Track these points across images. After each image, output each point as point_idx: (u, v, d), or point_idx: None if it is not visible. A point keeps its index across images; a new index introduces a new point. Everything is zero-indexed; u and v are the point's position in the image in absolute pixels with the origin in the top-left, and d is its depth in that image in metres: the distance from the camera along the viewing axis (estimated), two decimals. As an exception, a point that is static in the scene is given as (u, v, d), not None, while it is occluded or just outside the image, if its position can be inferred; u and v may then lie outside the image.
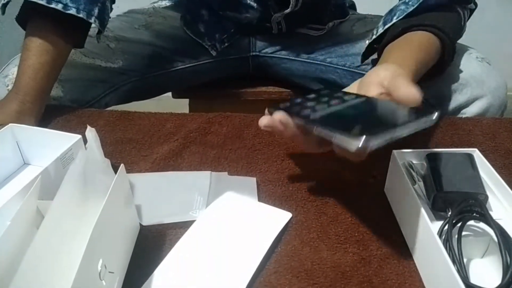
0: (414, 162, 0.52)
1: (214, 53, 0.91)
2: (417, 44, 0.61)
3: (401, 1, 0.70)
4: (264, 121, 0.46)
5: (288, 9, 0.83)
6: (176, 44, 0.91)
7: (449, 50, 0.65)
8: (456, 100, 0.73)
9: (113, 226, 0.40)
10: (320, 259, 0.45)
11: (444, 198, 0.45)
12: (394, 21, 0.68)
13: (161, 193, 0.54)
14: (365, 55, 0.76)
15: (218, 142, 0.65)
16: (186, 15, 0.93)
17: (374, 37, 0.71)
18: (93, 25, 0.69)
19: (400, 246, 0.47)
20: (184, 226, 0.48)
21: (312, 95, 0.48)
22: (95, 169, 0.43)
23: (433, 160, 0.49)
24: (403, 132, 0.37)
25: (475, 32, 1.12)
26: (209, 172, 0.57)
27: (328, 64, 0.91)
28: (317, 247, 0.46)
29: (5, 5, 0.66)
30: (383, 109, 0.41)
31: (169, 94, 1.02)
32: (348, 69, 0.89)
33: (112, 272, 0.38)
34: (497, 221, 0.41)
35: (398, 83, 0.44)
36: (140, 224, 0.49)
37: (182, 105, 1.05)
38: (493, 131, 0.66)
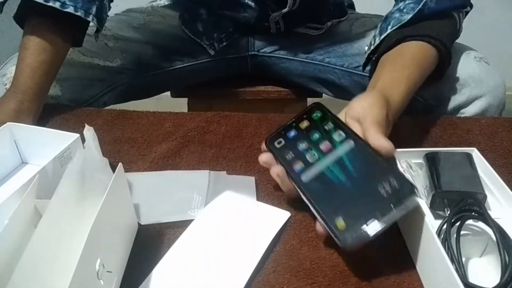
0: (413, 161, 0.52)
1: (212, 52, 0.91)
2: (410, 59, 0.61)
3: (395, 7, 0.70)
4: (263, 158, 0.51)
5: (286, 9, 0.83)
6: (174, 43, 0.91)
7: (445, 58, 0.65)
8: (455, 100, 0.73)
9: (111, 225, 0.40)
10: (319, 259, 0.45)
11: (442, 197, 0.45)
12: (388, 31, 0.68)
13: (160, 192, 0.54)
14: (365, 64, 0.76)
15: (216, 141, 0.65)
16: (184, 14, 0.93)
17: (372, 47, 0.71)
18: (91, 23, 0.69)
19: (398, 245, 0.47)
20: (182, 225, 0.48)
21: (304, 126, 0.51)
22: (93, 168, 0.43)
23: (431, 159, 0.49)
24: (385, 227, 0.40)
25: (474, 32, 1.12)
26: (208, 171, 0.57)
27: (327, 64, 0.90)
28: (316, 246, 0.46)
29: (2, 4, 0.66)
30: (365, 185, 0.43)
31: (168, 93, 1.02)
32: (346, 69, 0.89)
33: (110, 272, 0.38)
34: (496, 220, 0.41)
35: (368, 133, 0.46)
36: (139, 223, 0.49)
37: (180, 104, 1.05)
38: (492, 130, 0.67)
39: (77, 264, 0.31)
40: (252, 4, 0.84)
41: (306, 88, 0.97)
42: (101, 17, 0.70)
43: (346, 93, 0.93)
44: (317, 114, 0.51)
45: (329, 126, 0.49)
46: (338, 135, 0.47)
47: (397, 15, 0.68)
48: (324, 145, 0.47)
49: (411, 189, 0.40)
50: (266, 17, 0.87)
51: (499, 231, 0.40)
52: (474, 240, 0.43)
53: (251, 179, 0.56)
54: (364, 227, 0.39)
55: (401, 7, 0.69)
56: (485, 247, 0.43)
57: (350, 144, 0.46)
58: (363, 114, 0.48)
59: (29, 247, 0.31)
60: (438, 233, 0.42)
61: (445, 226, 0.42)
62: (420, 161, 0.51)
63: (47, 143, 0.54)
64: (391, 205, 0.40)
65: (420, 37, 0.64)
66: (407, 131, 0.66)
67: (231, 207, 0.51)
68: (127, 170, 0.57)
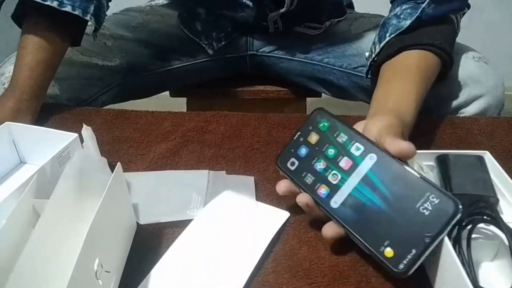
0: (424, 163, 0.51)
1: (211, 51, 0.91)
2: (416, 72, 0.61)
3: (392, 13, 0.70)
4: (283, 188, 0.48)
5: (284, 9, 0.83)
6: (173, 43, 0.91)
7: (447, 65, 0.65)
8: (455, 100, 0.73)
9: (109, 225, 0.40)
10: (318, 259, 0.45)
11: None
12: (387, 38, 0.67)
13: (159, 192, 0.54)
14: (368, 72, 0.75)
15: (215, 141, 0.64)
16: (183, 14, 0.93)
17: (373, 55, 0.70)
18: (89, 22, 0.69)
19: None
20: (181, 225, 0.48)
21: (314, 140, 0.48)
22: (92, 168, 0.42)
23: (443, 162, 0.49)
24: (433, 246, 0.38)
25: (473, 31, 1.12)
26: (207, 171, 0.57)
27: (325, 65, 0.90)
28: (315, 247, 0.46)
29: (0, 3, 0.66)
30: (405, 206, 0.41)
31: (167, 93, 1.01)
32: (345, 70, 0.88)
33: (109, 272, 0.38)
34: (508, 224, 0.41)
35: (386, 142, 0.44)
36: (137, 223, 0.49)
37: (179, 104, 1.05)
38: (491, 130, 0.67)
39: (75, 264, 0.31)
40: (250, 3, 0.84)
41: (305, 88, 0.97)
42: (99, 16, 0.69)
43: (345, 94, 0.92)
44: (324, 124, 0.48)
45: (342, 137, 0.46)
46: (355, 148, 0.45)
47: (394, 21, 0.68)
48: (344, 162, 0.45)
49: (455, 207, 0.38)
50: (264, 16, 0.87)
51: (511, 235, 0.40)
52: (486, 244, 0.43)
53: (250, 179, 0.56)
54: (413, 251, 0.38)
55: (398, 13, 0.68)
56: (496, 251, 0.43)
57: (372, 157, 0.44)
58: (380, 135, 0.46)
59: (28, 247, 0.31)
60: (449, 236, 0.42)
61: (456, 229, 0.41)
62: (432, 163, 0.51)
63: (46, 142, 0.54)
64: (436, 223, 0.38)
65: (423, 46, 0.63)
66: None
67: (230, 207, 0.51)
68: (125, 170, 0.57)
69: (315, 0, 0.88)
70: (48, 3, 0.63)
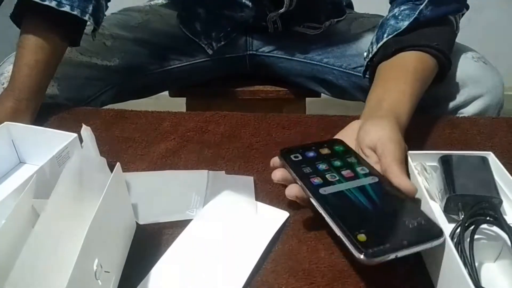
0: (428, 164, 0.51)
1: (210, 51, 0.91)
2: (412, 73, 0.61)
3: (390, 14, 0.70)
4: (278, 176, 0.48)
5: (283, 9, 0.83)
6: (172, 43, 0.91)
7: (445, 66, 0.65)
8: (454, 100, 0.73)
9: (109, 225, 0.40)
10: (318, 259, 0.45)
11: (457, 201, 0.45)
12: (385, 39, 0.67)
13: (158, 192, 0.54)
14: (365, 72, 0.75)
15: (215, 141, 0.64)
16: (182, 13, 0.93)
17: (370, 55, 0.70)
18: (88, 22, 0.69)
19: None
20: (181, 225, 0.48)
21: (325, 152, 0.49)
22: (91, 168, 0.42)
23: (446, 162, 0.49)
24: (406, 252, 0.38)
25: (472, 31, 1.12)
26: (206, 171, 0.57)
27: (325, 65, 0.90)
28: (315, 247, 0.46)
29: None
30: (391, 214, 0.41)
31: (166, 92, 1.01)
32: (345, 70, 0.89)
33: (108, 272, 0.38)
34: (511, 225, 0.41)
35: (391, 173, 0.44)
36: (137, 223, 0.49)
37: (179, 104, 1.05)
38: (490, 130, 0.67)
39: (74, 264, 0.31)
40: (249, 4, 0.84)
41: (305, 88, 0.97)
42: (97, 16, 0.69)
43: (344, 93, 0.93)
44: (340, 148, 0.50)
45: (352, 159, 0.47)
46: (361, 169, 0.46)
47: (392, 22, 0.68)
48: (346, 172, 0.45)
49: (440, 232, 0.38)
50: (263, 16, 0.87)
51: (514, 236, 0.40)
52: (488, 244, 0.43)
53: (250, 179, 0.56)
54: (387, 245, 0.37)
55: (396, 14, 0.68)
56: (499, 252, 0.43)
57: (373, 179, 0.44)
58: (381, 147, 0.47)
59: (27, 247, 0.31)
60: (452, 236, 0.42)
61: (458, 230, 0.41)
62: (435, 163, 0.51)
63: (45, 142, 0.54)
64: (417, 237, 0.38)
65: (420, 48, 0.63)
66: (406, 132, 0.65)
67: (229, 207, 0.51)
68: (125, 170, 0.57)
69: (314, 0, 0.88)
70: (46, 3, 0.63)
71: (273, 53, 0.94)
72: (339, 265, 0.44)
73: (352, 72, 0.87)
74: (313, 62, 0.92)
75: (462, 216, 0.43)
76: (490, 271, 0.42)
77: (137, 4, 0.97)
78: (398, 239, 0.38)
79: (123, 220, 0.45)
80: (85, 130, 0.44)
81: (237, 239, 0.46)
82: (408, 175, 0.47)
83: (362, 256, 0.36)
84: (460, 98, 0.73)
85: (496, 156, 0.51)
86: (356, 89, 0.88)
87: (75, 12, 0.65)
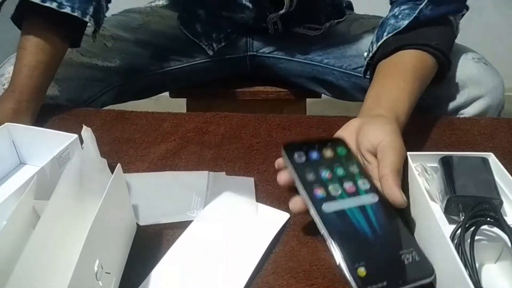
0: (428, 165, 0.51)
1: (211, 52, 0.91)
2: (411, 72, 0.61)
3: (391, 13, 0.70)
4: (283, 181, 0.47)
5: (283, 10, 0.83)
6: (173, 44, 0.91)
7: (444, 65, 0.65)
8: (454, 101, 0.73)
9: (109, 226, 0.40)
10: (318, 260, 0.45)
11: (457, 202, 0.45)
12: (384, 38, 0.67)
13: (159, 193, 0.54)
14: (366, 71, 0.75)
15: (215, 142, 0.64)
16: (183, 15, 0.93)
17: (370, 54, 0.70)
18: (88, 24, 0.69)
19: None
20: (181, 226, 0.48)
21: (328, 155, 0.48)
22: (92, 169, 0.42)
23: (447, 163, 0.49)
24: None
25: (472, 32, 1.12)
26: (207, 172, 0.57)
27: (325, 65, 0.91)
28: (315, 248, 0.46)
29: (0, 4, 0.66)
30: (389, 246, 0.42)
31: (167, 93, 1.01)
32: (345, 71, 0.89)
33: (109, 273, 0.38)
34: None
35: (386, 182, 0.44)
36: (137, 224, 0.49)
37: (179, 105, 1.05)
38: (491, 131, 0.67)
39: (75, 265, 0.31)
40: (250, 5, 0.84)
41: (305, 89, 0.97)
42: (98, 17, 0.69)
43: (344, 94, 0.93)
44: (342, 150, 0.49)
45: (354, 169, 0.47)
46: (362, 183, 0.46)
47: (392, 21, 0.68)
48: (348, 186, 0.45)
49: (432, 271, 0.40)
50: (263, 18, 0.87)
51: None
52: (489, 246, 0.43)
53: (250, 180, 0.56)
54: (384, 283, 0.38)
55: (396, 13, 0.68)
56: (500, 253, 0.43)
57: (374, 197, 0.45)
58: (381, 153, 0.46)
59: (27, 248, 0.31)
60: (452, 237, 0.42)
61: (459, 231, 0.41)
62: (435, 165, 0.51)
63: (45, 143, 0.54)
64: (411, 275, 0.39)
65: (419, 46, 0.63)
66: (406, 132, 0.65)
67: (230, 208, 0.51)
68: (125, 171, 0.57)
69: (314, 1, 0.88)
70: (47, 4, 0.63)
71: (274, 54, 0.94)
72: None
73: (353, 73, 0.87)
74: (313, 63, 0.92)
75: (463, 217, 0.43)
76: (490, 272, 0.42)
77: (138, 6, 0.97)
78: (395, 277, 0.39)
79: (123, 221, 0.45)
80: (86, 131, 0.44)
81: (237, 240, 0.46)
82: (405, 181, 0.47)
83: None
84: (460, 99, 0.73)
85: (497, 157, 0.50)
86: (356, 89, 0.89)
87: (75, 14, 0.65)
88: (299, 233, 0.48)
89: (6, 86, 0.67)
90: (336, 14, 0.93)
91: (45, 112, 0.68)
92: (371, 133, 0.49)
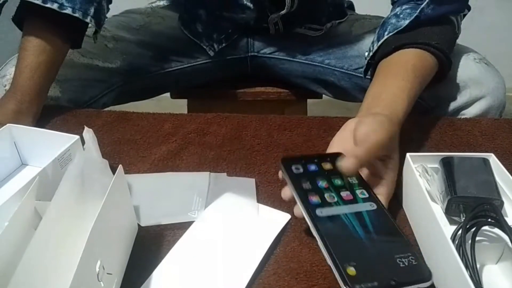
0: (429, 165, 0.51)
1: (211, 53, 0.91)
2: (411, 71, 0.60)
3: (392, 13, 0.70)
4: (287, 195, 0.47)
5: (284, 10, 0.83)
6: (174, 44, 0.91)
7: (445, 65, 0.65)
8: (455, 102, 0.73)
9: (111, 227, 0.40)
10: (319, 261, 0.45)
11: (458, 203, 0.45)
12: (385, 37, 0.68)
13: (160, 194, 0.54)
14: (366, 70, 0.75)
15: (216, 143, 0.65)
16: (183, 15, 0.93)
17: (371, 53, 0.71)
18: (90, 25, 0.69)
19: None
20: (182, 227, 0.48)
21: (327, 167, 0.48)
22: (93, 170, 0.42)
23: (448, 164, 0.49)
24: None
25: (474, 32, 1.12)
26: (208, 173, 0.57)
27: (326, 66, 0.91)
28: (316, 249, 0.46)
29: (1, 5, 0.66)
30: (383, 249, 0.40)
31: (168, 94, 1.02)
32: (346, 71, 0.89)
33: (110, 274, 0.38)
34: None
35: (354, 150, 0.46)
36: (139, 225, 0.49)
37: (180, 106, 1.05)
38: (492, 132, 0.66)
39: (77, 266, 0.31)
40: (251, 5, 0.84)
41: (306, 89, 0.97)
42: (99, 18, 0.69)
43: (346, 95, 0.93)
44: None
45: (353, 180, 0.47)
46: (361, 192, 0.45)
47: (393, 20, 0.68)
48: (345, 194, 0.45)
49: (429, 276, 0.38)
50: (264, 18, 0.87)
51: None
52: (490, 246, 0.43)
53: (251, 181, 0.56)
54: (375, 283, 0.36)
55: (398, 13, 0.68)
56: (501, 254, 0.43)
57: (372, 205, 0.44)
58: (359, 141, 0.48)
59: (29, 249, 0.31)
60: (453, 238, 0.42)
61: (460, 232, 0.41)
62: (436, 165, 0.51)
63: (47, 144, 0.54)
64: (405, 278, 0.37)
65: (419, 45, 0.63)
66: (407, 133, 0.65)
67: (231, 209, 0.51)
68: (127, 171, 0.57)
69: (315, 1, 0.88)
70: (48, 5, 0.63)
71: (275, 54, 0.94)
72: (340, 267, 0.44)
73: (354, 73, 0.87)
74: (314, 63, 0.92)
75: (464, 218, 0.43)
76: (491, 273, 0.42)
77: (139, 6, 0.97)
78: (386, 277, 0.37)
79: (125, 222, 0.45)
80: (87, 132, 0.44)
81: (238, 241, 0.46)
82: (404, 182, 0.47)
83: None
84: (461, 99, 0.73)
85: (498, 157, 0.51)
86: (357, 90, 0.88)
87: (76, 15, 0.65)
88: (300, 234, 0.48)
89: (7, 87, 0.67)
90: (337, 15, 0.93)
91: (46, 113, 0.68)
92: (362, 129, 0.49)
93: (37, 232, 0.32)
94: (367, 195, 0.45)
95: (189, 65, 0.93)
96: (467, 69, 0.73)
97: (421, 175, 0.50)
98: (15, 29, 0.68)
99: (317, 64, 0.91)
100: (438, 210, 0.47)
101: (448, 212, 0.46)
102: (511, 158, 0.61)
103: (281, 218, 0.50)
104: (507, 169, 0.49)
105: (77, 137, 0.53)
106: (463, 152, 0.61)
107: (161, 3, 0.99)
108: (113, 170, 0.42)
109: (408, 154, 0.50)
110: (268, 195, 0.54)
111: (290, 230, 0.49)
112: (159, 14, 0.94)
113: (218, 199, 0.52)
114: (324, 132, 0.66)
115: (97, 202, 0.37)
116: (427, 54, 0.63)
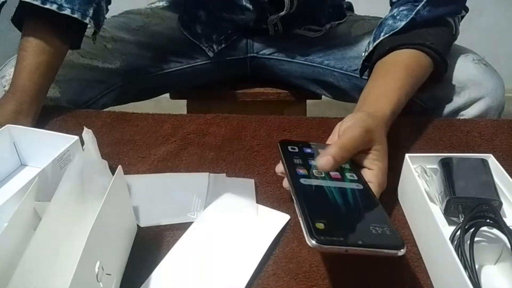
0: (428, 166, 0.51)
1: (211, 54, 0.91)
2: (404, 68, 0.61)
3: (389, 14, 0.71)
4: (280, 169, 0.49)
5: (284, 11, 0.83)
6: (173, 45, 0.91)
7: (440, 66, 0.66)
8: (455, 102, 0.74)
9: (110, 228, 0.40)
10: (318, 261, 0.45)
11: (457, 204, 0.45)
12: (381, 38, 0.68)
13: (159, 194, 0.54)
14: (362, 71, 0.76)
15: (216, 143, 0.65)
16: (183, 16, 0.93)
17: (366, 54, 0.71)
18: (89, 25, 0.69)
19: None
20: (182, 227, 0.48)
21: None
22: (93, 171, 0.42)
23: (446, 165, 0.49)
24: (358, 250, 0.36)
25: (473, 33, 1.12)
26: (207, 173, 0.57)
27: (326, 67, 0.91)
28: (316, 250, 0.46)
29: (1, 6, 0.66)
30: (358, 216, 0.41)
31: (167, 95, 1.02)
32: (345, 72, 0.89)
33: (110, 274, 0.38)
34: (511, 227, 0.41)
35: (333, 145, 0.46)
36: (138, 226, 0.49)
37: (180, 106, 1.05)
38: (491, 132, 0.67)
39: (76, 266, 0.31)
40: (250, 6, 0.84)
41: (305, 90, 0.98)
42: (98, 19, 0.69)
43: (345, 95, 0.93)
44: None
45: (345, 165, 0.47)
46: (350, 175, 0.46)
47: (390, 21, 0.68)
48: (334, 174, 0.45)
49: (401, 245, 0.36)
50: (264, 19, 0.87)
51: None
52: (489, 247, 0.43)
53: (251, 182, 0.56)
54: (341, 238, 0.36)
55: (395, 14, 0.69)
56: (499, 255, 0.43)
57: (358, 185, 0.44)
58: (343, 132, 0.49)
59: (29, 250, 0.31)
60: (452, 239, 0.42)
61: (458, 232, 0.41)
62: (435, 166, 0.51)
63: (46, 145, 0.54)
64: (374, 241, 0.37)
65: (413, 46, 0.64)
66: (406, 134, 0.66)
67: (230, 209, 0.51)
68: (126, 172, 0.57)
69: (314, 2, 0.88)
70: (47, 6, 0.63)
71: (274, 55, 0.94)
72: (339, 268, 0.44)
73: (353, 74, 0.88)
74: (314, 64, 0.92)
75: (462, 219, 0.44)
76: (490, 273, 0.42)
77: (138, 7, 0.97)
78: (354, 236, 0.37)
79: (124, 222, 0.45)
80: (87, 133, 0.44)
81: (238, 242, 0.46)
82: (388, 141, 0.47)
83: (313, 242, 0.35)
84: (460, 100, 0.73)
85: (497, 158, 0.51)
86: (357, 91, 0.89)
87: (75, 15, 0.65)
88: (299, 234, 0.48)
89: (7, 88, 0.67)
90: (337, 16, 0.93)
91: (45, 114, 0.68)
92: (341, 128, 0.50)
93: (37, 232, 0.32)
94: (355, 178, 0.46)
95: (189, 65, 0.93)
96: (466, 70, 0.73)
97: (420, 176, 0.50)
98: (14, 29, 0.68)
99: (316, 65, 0.92)
100: (437, 210, 0.47)
101: (447, 212, 0.46)
102: (510, 159, 0.61)
103: (280, 219, 0.50)
104: (506, 170, 0.49)
105: (76, 137, 0.53)
106: (462, 152, 0.61)
107: (161, 4, 0.99)
108: (113, 170, 0.42)
109: (407, 155, 0.50)
110: (267, 196, 0.54)
111: (289, 231, 0.49)
112: (159, 15, 0.94)
113: (217, 200, 0.52)
114: (323, 132, 0.66)
115: (96, 203, 0.37)
116: (421, 54, 0.64)
